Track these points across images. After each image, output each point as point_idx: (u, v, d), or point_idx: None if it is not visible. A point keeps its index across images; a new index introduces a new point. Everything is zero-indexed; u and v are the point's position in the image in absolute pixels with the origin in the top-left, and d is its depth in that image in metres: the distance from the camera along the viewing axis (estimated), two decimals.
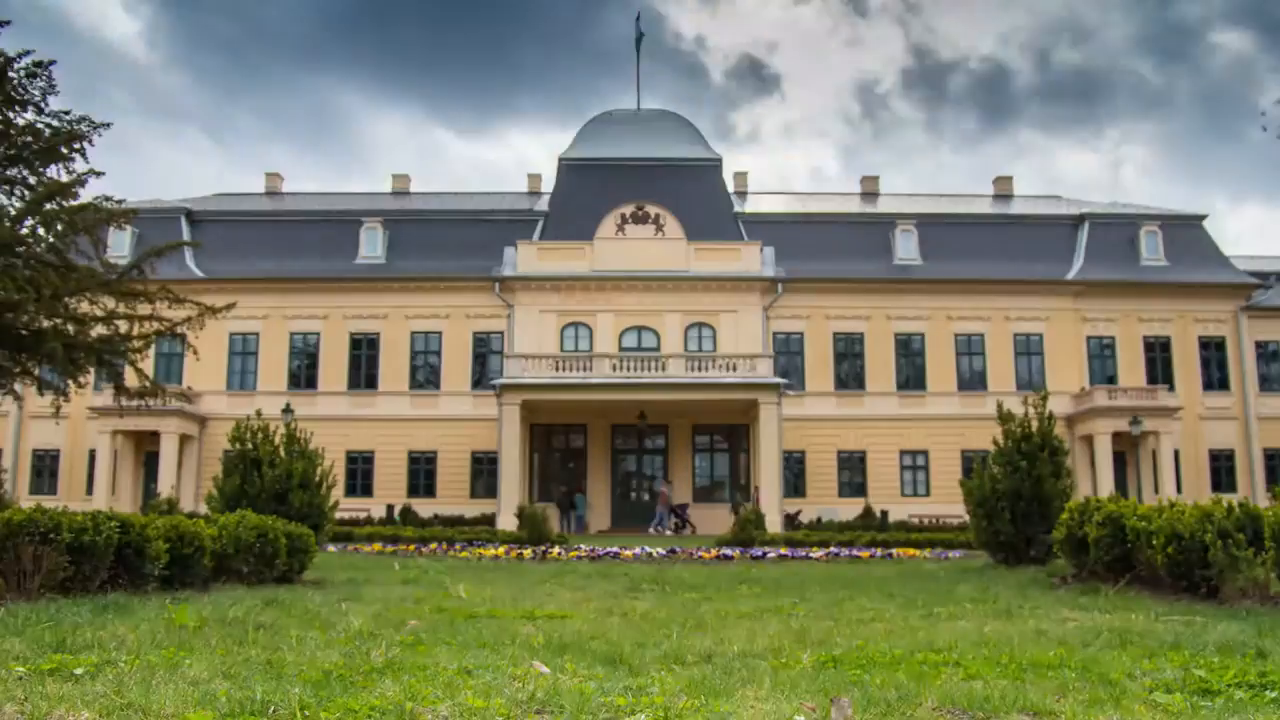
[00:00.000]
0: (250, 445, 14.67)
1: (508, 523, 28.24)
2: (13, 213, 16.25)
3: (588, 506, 33.72)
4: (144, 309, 18.39)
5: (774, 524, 28.51)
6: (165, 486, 32.29)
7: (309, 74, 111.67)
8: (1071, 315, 36.50)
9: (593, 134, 40.57)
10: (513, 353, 33.27)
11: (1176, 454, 34.59)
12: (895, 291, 36.34)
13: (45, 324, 16.75)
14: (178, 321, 18.24)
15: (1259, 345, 36.91)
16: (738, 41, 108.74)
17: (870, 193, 43.53)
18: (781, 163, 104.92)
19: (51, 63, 16.04)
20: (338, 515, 20.74)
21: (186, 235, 34.93)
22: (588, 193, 37.11)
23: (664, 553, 18.25)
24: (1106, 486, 32.26)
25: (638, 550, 18.57)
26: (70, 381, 17.88)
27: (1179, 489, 33.46)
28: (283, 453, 14.77)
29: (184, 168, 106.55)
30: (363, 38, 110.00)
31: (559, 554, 17.96)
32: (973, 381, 36.06)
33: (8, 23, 15.77)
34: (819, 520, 30.80)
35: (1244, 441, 36.18)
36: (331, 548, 18.63)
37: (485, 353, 36.18)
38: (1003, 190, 44.00)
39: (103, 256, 18.00)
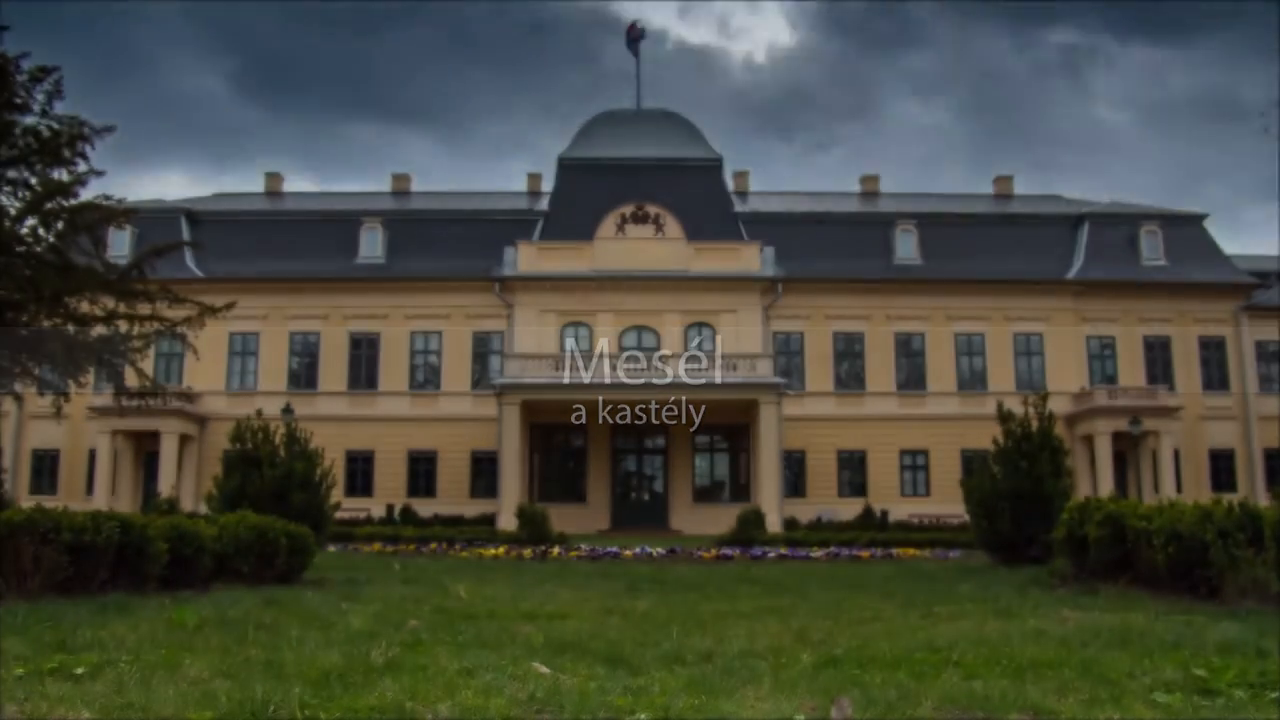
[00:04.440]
0: (250, 445, 14.68)
1: (508, 523, 28.21)
2: (13, 212, 16.27)
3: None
4: (144, 309, 18.41)
5: (774, 524, 28.50)
6: (165, 486, 32.29)
7: (310, 72, 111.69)
8: (1071, 315, 36.50)
9: (593, 134, 40.59)
10: (513, 353, 33.27)
11: (1176, 454, 34.59)
12: (895, 291, 36.34)
13: (45, 324, 16.77)
14: (178, 321, 18.27)
15: (1259, 345, 36.91)
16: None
17: (870, 192, 43.54)
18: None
19: (56, 68, 16.07)
20: (338, 515, 20.72)
21: (186, 235, 34.93)
22: (588, 193, 37.09)
23: (664, 553, 18.25)
24: (1106, 486, 32.26)
25: (638, 550, 18.57)
26: (70, 381, 17.90)
27: (1179, 489, 33.43)
28: (283, 453, 14.78)
29: (184, 168, 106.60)
30: (363, 37, 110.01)
31: (559, 554, 17.96)
32: (973, 381, 36.06)
33: (6, 28, 15.80)
34: (819, 520, 30.80)
35: (1244, 441, 36.18)
36: (331, 548, 18.63)
37: (485, 353, 36.17)
38: (1003, 190, 44.00)
39: (103, 256, 18.04)
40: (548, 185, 41.24)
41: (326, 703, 3.82)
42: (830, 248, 37.07)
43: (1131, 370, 36.24)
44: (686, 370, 31.69)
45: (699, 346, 35.33)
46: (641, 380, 31.30)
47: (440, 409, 35.59)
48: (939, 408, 35.66)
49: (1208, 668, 4.71)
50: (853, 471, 35.25)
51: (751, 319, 35.74)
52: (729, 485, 35.27)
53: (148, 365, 22.26)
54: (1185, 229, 38.38)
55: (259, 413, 15.96)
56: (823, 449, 35.13)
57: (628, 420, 33.26)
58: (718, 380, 31.36)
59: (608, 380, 31.36)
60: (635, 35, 42.86)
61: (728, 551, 18.44)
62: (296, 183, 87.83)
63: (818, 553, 18.36)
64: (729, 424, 34.80)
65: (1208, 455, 36.06)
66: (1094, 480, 33.38)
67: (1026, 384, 34.64)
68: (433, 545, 20.09)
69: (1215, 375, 36.65)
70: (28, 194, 16.48)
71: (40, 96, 16.11)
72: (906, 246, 37.30)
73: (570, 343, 35.52)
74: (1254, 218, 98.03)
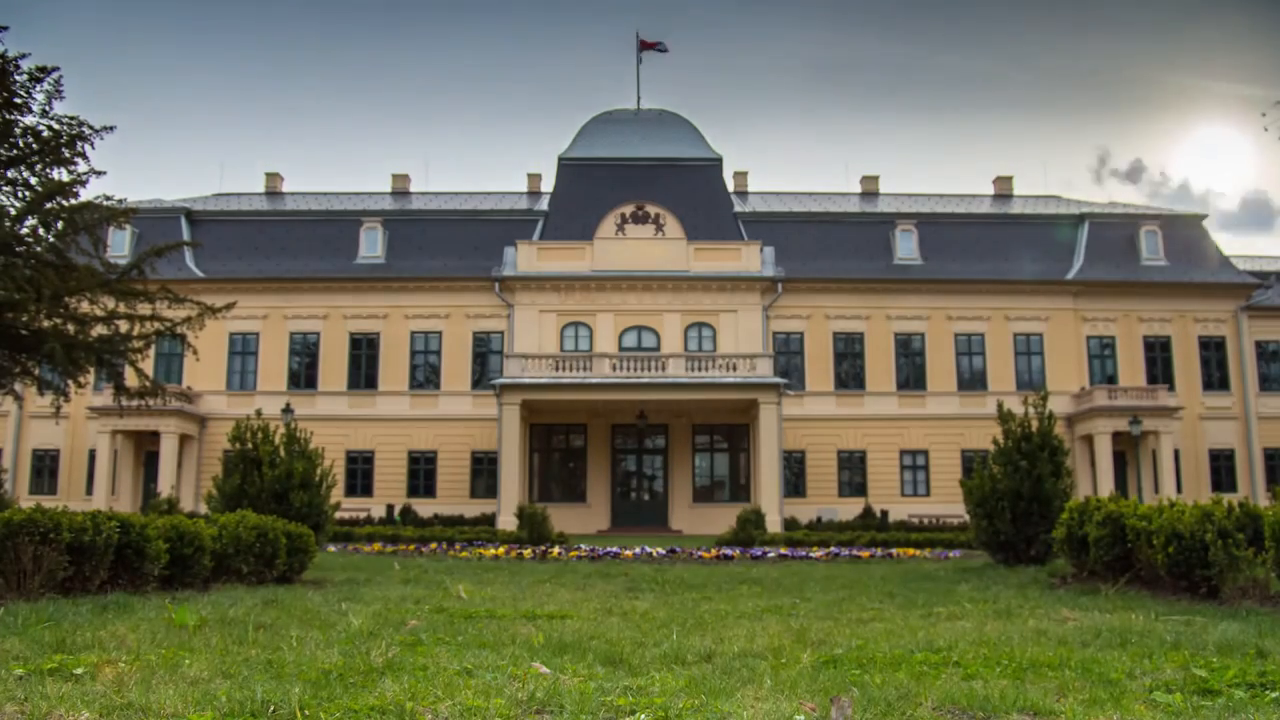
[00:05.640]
0: (250, 445, 14.65)
1: (508, 523, 28.25)
2: (13, 212, 16.27)
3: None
4: (144, 309, 18.43)
5: (774, 524, 28.51)
6: (165, 486, 32.31)
7: (309, 72, 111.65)
8: (1071, 315, 36.52)
9: (593, 134, 40.60)
10: (513, 353, 33.28)
11: (1176, 454, 34.60)
12: (895, 291, 36.35)
13: (45, 324, 16.78)
14: (178, 321, 18.27)
15: (1259, 345, 36.95)
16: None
17: (870, 192, 43.55)
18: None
19: (55, 69, 16.08)
20: (338, 515, 20.72)
21: (186, 235, 34.98)
22: (588, 192, 37.13)
23: (664, 553, 18.24)
24: (1106, 486, 32.28)
25: (638, 550, 18.56)
26: (70, 381, 17.90)
27: (1179, 489, 33.48)
28: (283, 453, 14.74)
29: (184, 168, 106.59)
30: (363, 37, 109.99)
31: (559, 554, 17.95)
32: (973, 381, 36.08)
33: (6, 28, 15.82)
34: (819, 520, 30.81)
35: (1244, 441, 36.20)
36: (331, 548, 18.64)
37: (485, 353, 36.19)
38: (1003, 190, 44.01)
39: (103, 256, 18.04)
40: (548, 185, 41.26)
41: (326, 703, 3.82)
42: (830, 248, 37.10)
43: (1131, 370, 36.26)
44: (686, 370, 31.74)
45: (699, 346, 35.41)
46: (641, 380, 31.35)
47: (440, 409, 35.60)
48: (939, 408, 35.67)
49: (1208, 668, 4.71)
50: (853, 471, 35.25)
51: (751, 319, 35.77)
52: (729, 485, 35.28)
53: (148, 365, 22.25)
54: (1185, 229, 38.40)
55: (259, 413, 15.92)
56: (823, 449, 35.15)
57: (628, 420, 33.42)
58: (718, 380, 31.41)
59: (608, 380, 31.41)
60: (652, 46, 42.66)
61: (728, 551, 18.44)
62: (296, 183, 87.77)
63: (818, 553, 18.35)
64: (729, 424, 34.85)
65: (1208, 455, 36.07)
66: (1094, 480, 33.40)
67: (1026, 384, 34.70)
68: (433, 545, 20.08)
69: (1215, 375, 36.67)
70: (28, 194, 16.49)
71: (40, 96, 16.12)
72: (906, 246, 37.30)
73: (570, 343, 35.58)
74: (1254, 218, 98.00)
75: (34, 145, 16.13)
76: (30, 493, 34.34)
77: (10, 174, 16.27)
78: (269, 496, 14.01)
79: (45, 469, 35.84)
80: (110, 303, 18.05)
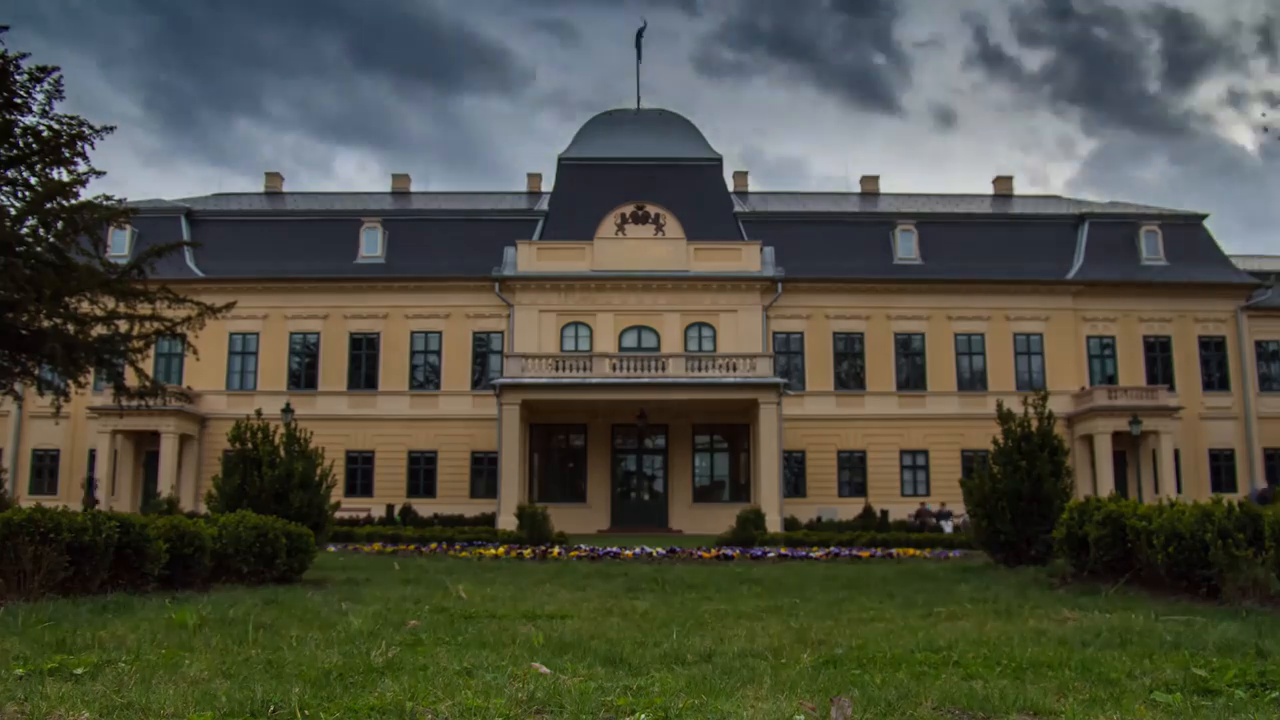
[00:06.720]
0: (250, 445, 14.62)
1: (508, 523, 28.23)
2: (13, 212, 16.27)
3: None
4: (144, 309, 18.45)
5: (774, 524, 28.50)
6: (165, 486, 32.31)
7: (307, 70, 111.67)
8: (1071, 315, 36.51)
9: (593, 134, 40.60)
10: (512, 353, 33.27)
11: (1176, 454, 34.59)
12: (895, 291, 36.35)
13: (45, 324, 16.79)
14: (178, 321, 18.29)
15: (1259, 345, 36.94)
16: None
17: (870, 192, 43.56)
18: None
19: (55, 69, 16.09)
20: (338, 515, 20.70)
21: (186, 235, 34.96)
22: (588, 193, 37.11)
23: (664, 553, 18.24)
24: (1106, 486, 32.27)
25: (638, 550, 18.56)
26: (70, 381, 17.91)
27: (1179, 489, 33.47)
28: (283, 453, 14.71)
29: (184, 168, 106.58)
30: (363, 42, 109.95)
31: (559, 554, 17.95)
32: (973, 381, 36.07)
33: (6, 28, 15.83)
34: (819, 520, 30.80)
35: (1244, 441, 36.19)
36: (331, 548, 18.63)
37: (485, 353, 36.19)
38: (1003, 190, 44.02)
39: (103, 256, 18.05)
40: (548, 185, 41.27)
41: (326, 703, 3.82)
42: (830, 248, 37.08)
43: (1131, 370, 36.25)
44: (686, 370, 31.73)
45: (699, 346, 35.40)
46: (641, 380, 31.34)
47: (440, 409, 35.60)
48: (939, 408, 35.66)
49: (1208, 668, 4.71)
50: (853, 471, 35.25)
51: (751, 319, 35.76)
52: (729, 485, 35.28)
53: (148, 365, 22.25)
54: (1185, 229, 38.39)
55: (259, 413, 15.89)
56: (823, 449, 35.14)
57: (628, 420, 33.39)
58: (718, 380, 31.40)
59: (608, 380, 31.40)
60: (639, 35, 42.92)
61: (728, 551, 18.43)
62: (296, 183, 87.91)
63: (818, 553, 18.34)
64: (729, 424, 34.83)
65: (1208, 455, 36.06)
66: (1094, 480, 33.39)
67: (1026, 384, 34.67)
68: (433, 545, 20.07)
69: (1215, 375, 36.66)
70: (28, 194, 16.49)
71: (40, 96, 16.13)
72: (906, 246, 37.30)
73: (570, 342, 35.57)
74: (1254, 217, 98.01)
75: (34, 145, 16.13)
76: (30, 493, 34.32)
77: (10, 174, 16.27)
78: (269, 496, 13.99)
79: (45, 469, 35.83)
80: (110, 303, 18.06)
